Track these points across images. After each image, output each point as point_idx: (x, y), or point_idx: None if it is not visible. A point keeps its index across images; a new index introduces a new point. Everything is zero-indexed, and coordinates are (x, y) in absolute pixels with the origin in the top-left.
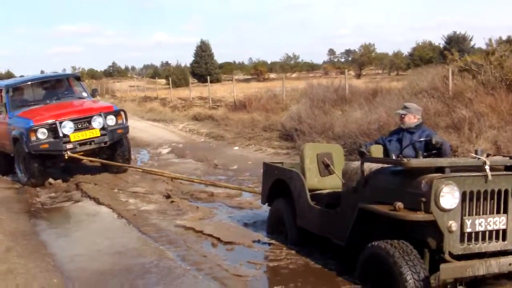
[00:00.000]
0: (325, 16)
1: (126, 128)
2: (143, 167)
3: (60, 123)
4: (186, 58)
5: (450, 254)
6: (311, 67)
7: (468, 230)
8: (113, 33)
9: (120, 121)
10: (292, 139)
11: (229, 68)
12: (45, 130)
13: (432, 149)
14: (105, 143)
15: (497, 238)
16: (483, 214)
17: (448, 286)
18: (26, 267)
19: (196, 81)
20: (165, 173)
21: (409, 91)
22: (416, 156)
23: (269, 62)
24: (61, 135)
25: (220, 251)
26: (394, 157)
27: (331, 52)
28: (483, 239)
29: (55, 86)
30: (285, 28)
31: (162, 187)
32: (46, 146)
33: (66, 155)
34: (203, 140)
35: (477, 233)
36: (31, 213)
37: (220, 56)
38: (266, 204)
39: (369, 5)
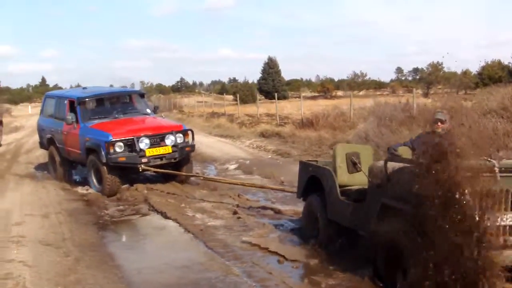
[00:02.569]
0: (392, 33)
1: (193, 147)
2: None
3: (138, 139)
4: (253, 75)
5: None
6: (378, 85)
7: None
8: (180, 47)
9: (187, 140)
10: None
11: (296, 85)
12: (122, 144)
13: None
14: (175, 159)
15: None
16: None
17: None
18: (95, 278)
19: (263, 97)
20: (222, 179)
21: (478, 111)
22: None
23: (336, 79)
24: (138, 149)
25: (285, 268)
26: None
27: (399, 70)
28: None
29: (122, 101)
30: (352, 45)
31: (229, 202)
32: (124, 159)
33: (140, 167)
34: (270, 156)
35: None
36: (100, 225)
37: (287, 73)
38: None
39: (436, 22)
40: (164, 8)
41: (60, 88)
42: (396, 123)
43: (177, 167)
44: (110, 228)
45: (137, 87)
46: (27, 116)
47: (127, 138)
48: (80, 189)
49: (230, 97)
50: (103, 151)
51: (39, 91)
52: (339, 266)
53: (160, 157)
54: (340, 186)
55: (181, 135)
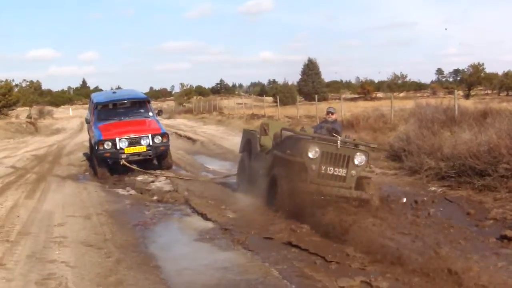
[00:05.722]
0: (432, 34)
1: (167, 146)
2: None
3: (119, 139)
4: (293, 76)
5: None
6: (418, 87)
7: (323, 172)
8: (220, 50)
9: (165, 141)
10: (400, 159)
11: (336, 86)
12: (109, 143)
13: (335, 132)
14: (150, 156)
15: (339, 180)
16: (333, 165)
17: None
18: (135, 278)
19: (303, 99)
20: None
21: None
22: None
23: (376, 81)
24: (118, 148)
25: (325, 270)
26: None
27: (439, 71)
28: (331, 179)
29: (131, 105)
30: (392, 46)
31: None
32: (108, 154)
33: (121, 162)
34: None
35: (327, 174)
36: (141, 226)
37: (327, 74)
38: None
39: (477, 23)
40: (199, 11)
41: (101, 89)
42: (437, 125)
43: (158, 161)
44: (151, 229)
45: (177, 89)
46: (68, 118)
47: (112, 139)
48: (121, 191)
49: (270, 98)
50: (96, 147)
51: (80, 94)
52: (366, 265)
53: (137, 154)
54: (262, 146)
55: (159, 137)
